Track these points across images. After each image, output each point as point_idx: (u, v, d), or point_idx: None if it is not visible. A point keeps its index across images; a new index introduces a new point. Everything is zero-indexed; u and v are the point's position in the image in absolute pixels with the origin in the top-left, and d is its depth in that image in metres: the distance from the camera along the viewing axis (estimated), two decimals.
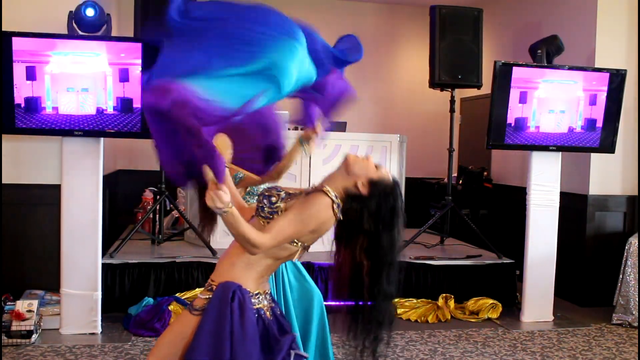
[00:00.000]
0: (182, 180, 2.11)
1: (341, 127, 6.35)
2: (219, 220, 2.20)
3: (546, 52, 5.27)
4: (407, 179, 6.44)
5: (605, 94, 5.28)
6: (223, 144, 2.60)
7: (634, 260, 5.23)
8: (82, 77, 4.45)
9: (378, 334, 2.19)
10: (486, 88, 5.86)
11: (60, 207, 4.55)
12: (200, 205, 2.56)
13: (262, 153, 2.83)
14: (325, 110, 2.58)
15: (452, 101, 6.41)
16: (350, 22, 8.32)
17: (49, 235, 4.89)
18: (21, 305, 4.34)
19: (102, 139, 4.59)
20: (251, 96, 1.95)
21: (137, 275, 5.06)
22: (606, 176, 5.88)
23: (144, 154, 7.30)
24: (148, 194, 6.83)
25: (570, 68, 5.25)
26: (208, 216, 2.63)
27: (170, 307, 4.77)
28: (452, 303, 5.33)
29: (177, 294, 4.99)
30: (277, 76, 1.99)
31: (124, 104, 4.51)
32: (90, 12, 4.47)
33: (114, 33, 4.85)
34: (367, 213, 2.10)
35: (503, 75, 5.10)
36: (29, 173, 4.92)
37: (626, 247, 5.32)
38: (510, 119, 5.17)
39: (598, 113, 5.31)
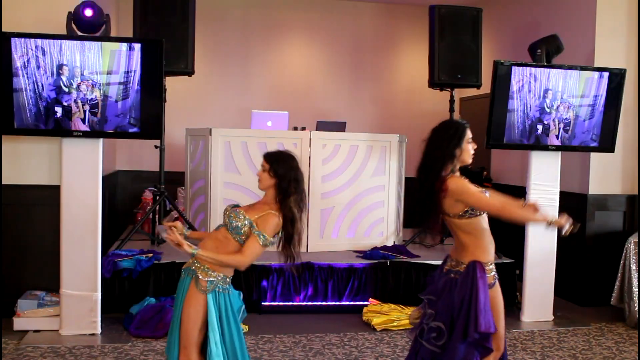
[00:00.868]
0: None
1: (341, 127, 6.35)
2: None
3: (546, 52, 5.27)
4: (407, 179, 6.43)
5: (605, 94, 5.28)
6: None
7: (634, 260, 5.23)
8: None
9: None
10: (485, 88, 5.86)
11: (60, 207, 4.55)
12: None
13: None
14: None
15: (452, 101, 6.42)
16: (350, 22, 8.33)
17: (48, 235, 4.89)
18: None
19: (101, 139, 4.59)
20: None
21: (137, 276, 5.06)
22: (606, 176, 5.89)
23: (143, 154, 7.31)
24: (148, 194, 6.83)
25: (570, 67, 5.25)
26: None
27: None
28: None
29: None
30: None
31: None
32: (88, 12, 4.47)
33: (113, 33, 4.85)
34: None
35: (503, 74, 5.10)
36: (29, 174, 4.92)
37: (626, 247, 5.32)
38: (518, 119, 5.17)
39: (598, 112, 5.30)
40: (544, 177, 5.34)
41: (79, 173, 4.54)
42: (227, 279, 2.98)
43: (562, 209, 5.40)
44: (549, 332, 5.10)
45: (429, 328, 3.03)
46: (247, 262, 2.91)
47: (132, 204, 7.26)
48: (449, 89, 6.38)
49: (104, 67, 4.47)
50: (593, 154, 5.79)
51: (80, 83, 4.44)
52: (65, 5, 4.65)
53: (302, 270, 5.35)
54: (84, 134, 4.49)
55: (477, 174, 7.57)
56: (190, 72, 5.77)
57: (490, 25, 7.37)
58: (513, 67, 5.11)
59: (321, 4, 8.23)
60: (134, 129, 4.58)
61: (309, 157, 5.87)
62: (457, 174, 3.06)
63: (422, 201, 3.07)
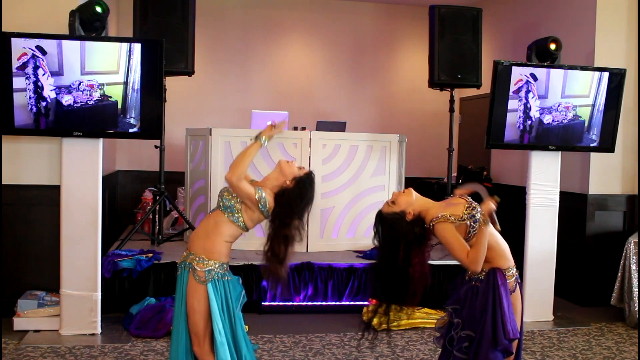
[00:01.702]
0: None
1: (341, 127, 6.35)
2: None
3: (545, 51, 5.27)
4: (407, 179, 6.43)
5: (605, 94, 5.28)
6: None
7: (634, 259, 5.23)
8: None
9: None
10: (485, 88, 5.86)
11: (59, 207, 4.55)
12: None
13: None
14: None
15: (452, 101, 6.41)
16: (350, 22, 8.33)
17: (48, 235, 4.89)
18: None
19: (101, 139, 4.59)
20: None
21: (137, 276, 5.06)
22: (606, 175, 5.89)
23: (143, 154, 7.31)
24: (148, 194, 6.83)
25: (570, 67, 5.25)
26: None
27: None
28: None
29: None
30: None
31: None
32: (98, 9, 4.47)
33: (112, 33, 4.85)
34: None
35: (503, 74, 5.09)
36: (29, 174, 4.92)
37: (626, 247, 5.32)
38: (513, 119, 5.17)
39: (598, 112, 5.30)
40: (544, 177, 5.34)
41: (79, 173, 4.54)
42: (225, 266, 3.00)
43: (562, 209, 5.42)
44: (549, 332, 5.10)
45: (459, 337, 3.04)
46: (239, 183, 2.89)
47: (132, 204, 7.26)
48: (449, 89, 6.38)
49: (104, 67, 4.47)
50: (593, 154, 5.79)
51: (80, 83, 4.44)
52: (65, 5, 4.65)
53: (302, 270, 5.35)
54: (84, 134, 4.48)
55: (477, 174, 7.58)
56: (190, 72, 5.77)
57: (490, 25, 7.38)
58: (513, 67, 5.11)
59: (321, 4, 8.23)
60: (134, 129, 4.58)
61: (309, 157, 5.87)
62: (439, 216, 2.98)
63: (394, 277, 3.03)
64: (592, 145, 5.39)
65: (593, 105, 5.30)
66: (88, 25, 4.55)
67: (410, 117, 8.44)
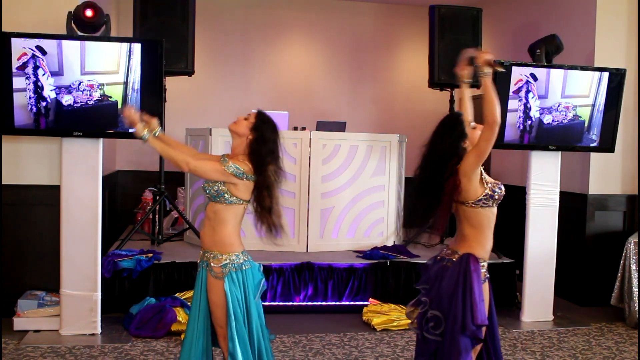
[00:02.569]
0: None
1: (341, 127, 6.35)
2: None
3: (545, 52, 5.27)
4: (407, 179, 6.42)
5: (605, 94, 5.28)
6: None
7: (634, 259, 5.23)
8: None
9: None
10: None
11: (59, 207, 4.55)
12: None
13: None
14: None
15: (452, 101, 6.41)
16: (349, 22, 8.33)
17: (48, 235, 4.89)
18: None
19: (101, 139, 4.59)
20: None
21: (137, 276, 5.06)
22: (606, 175, 5.89)
23: (143, 154, 7.31)
24: (147, 194, 6.82)
25: (570, 67, 5.25)
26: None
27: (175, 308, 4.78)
28: None
29: (176, 294, 5.00)
30: None
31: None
32: (89, 13, 4.47)
33: (113, 33, 4.85)
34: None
35: (503, 74, 5.09)
36: (29, 173, 4.92)
37: (626, 247, 5.32)
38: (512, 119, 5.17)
39: (598, 112, 5.30)
40: (544, 177, 5.34)
41: (78, 173, 4.54)
42: (240, 256, 2.97)
43: (562, 209, 5.41)
44: (549, 332, 5.10)
45: (426, 318, 3.03)
46: (194, 166, 2.91)
47: (132, 204, 7.26)
48: (449, 89, 6.38)
49: (103, 67, 4.47)
50: (593, 154, 5.79)
51: (80, 83, 4.44)
52: (65, 5, 4.65)
53: (302, 270, 5.35)
54: (84, 134, 4.48)
55: None
56: (190, 72, 5.77)
57: (490, 25, 7.37)
58: (513, 67, 5.11)
59: (321, 4, 8.23)
60: (134, 129, 4.57)
61: (309, 157, 5.87)
62: None
63: (427, 198, 3.06)
64: (592, 145, 5.39)
65: (593, 106, 5.30)
66: (87, 26, 4.55)
67: (410, 117, 8.42)
